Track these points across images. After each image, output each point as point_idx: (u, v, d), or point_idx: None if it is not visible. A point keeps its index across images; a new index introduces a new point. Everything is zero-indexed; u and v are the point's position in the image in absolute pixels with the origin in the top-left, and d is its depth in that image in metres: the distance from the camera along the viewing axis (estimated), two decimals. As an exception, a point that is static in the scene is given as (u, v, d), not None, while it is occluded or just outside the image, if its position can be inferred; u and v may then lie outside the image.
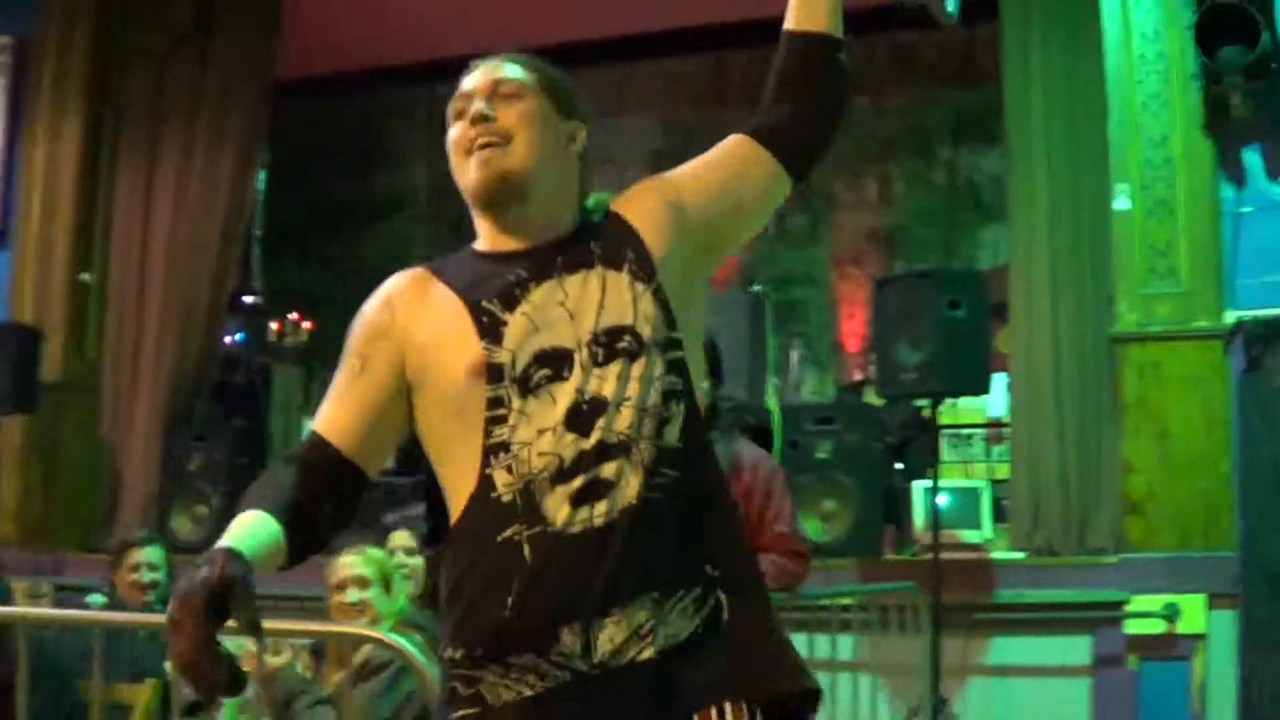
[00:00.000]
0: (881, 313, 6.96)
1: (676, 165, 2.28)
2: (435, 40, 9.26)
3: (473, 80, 2.18)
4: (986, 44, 9.20)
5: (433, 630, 3.01)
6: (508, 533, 1.99)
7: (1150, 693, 6.80)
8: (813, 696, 2.07)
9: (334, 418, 2.12)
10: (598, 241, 2.13)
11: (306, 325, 11.15)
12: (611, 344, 2.03)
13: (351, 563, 4.82)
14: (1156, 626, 6.72)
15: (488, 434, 2.03)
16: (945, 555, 6.72)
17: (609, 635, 1.97)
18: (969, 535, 7.27)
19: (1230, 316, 6.63)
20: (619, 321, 2.04)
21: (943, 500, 7.27)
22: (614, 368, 2.02)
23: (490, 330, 2.05)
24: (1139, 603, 6.76)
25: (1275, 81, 6.83)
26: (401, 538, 5.86)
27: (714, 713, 1.98)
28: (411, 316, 2.13)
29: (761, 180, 2.21)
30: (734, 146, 2.22)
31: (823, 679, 2.21)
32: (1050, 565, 7.08)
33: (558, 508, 1.98)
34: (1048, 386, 7.23)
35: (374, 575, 4.81)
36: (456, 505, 2.06)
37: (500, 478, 2.01)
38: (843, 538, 6.93)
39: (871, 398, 8.49)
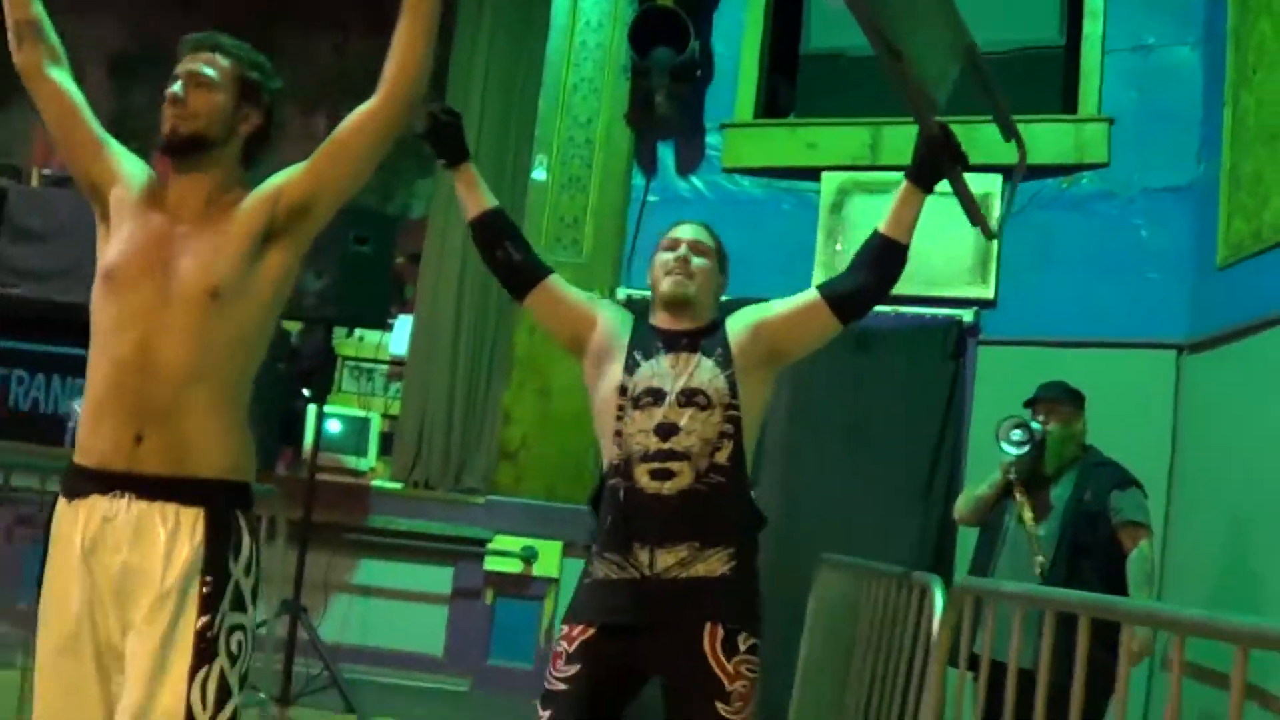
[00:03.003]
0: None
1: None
2: None
3: (684, 233, 3.55)
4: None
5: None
6: (613, 482, 3.34)
7: (503, 626, 7.33)
8: (758, 637, 3.30)
9: (560, 285, 3.55)
10: (706, 338, 3.42)
11: None
12: (690, 397, 3.31)
13: None
14: (514, 566, 7.25)
15: (615, 422, 3.35)
16: (326, 478, 6.95)
17: (663, 558, 3.25)
18: (354, 462, 7.54)
19: (623, 293, 7.22)
20: (698, 386, 3.33)
21: (335, 427, 7.52)
22: (689, 410, 3.30)
23: (629, 368, 3.39)
24: (500, 542, 7.28)
25: (697, 86, 7.51)
26: None
27: (709, 626, 3.22)
28: (611, 328, 3.48)
29: (819, 325, 3.42)
30: (809, 301, 3.42)
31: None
32: (424, 499, 7.50)
33: (642, 475, 3.29)
34: (447, 334, 7.62)
35: None
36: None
37: (613, 450, 3.35)
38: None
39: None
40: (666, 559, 3.26)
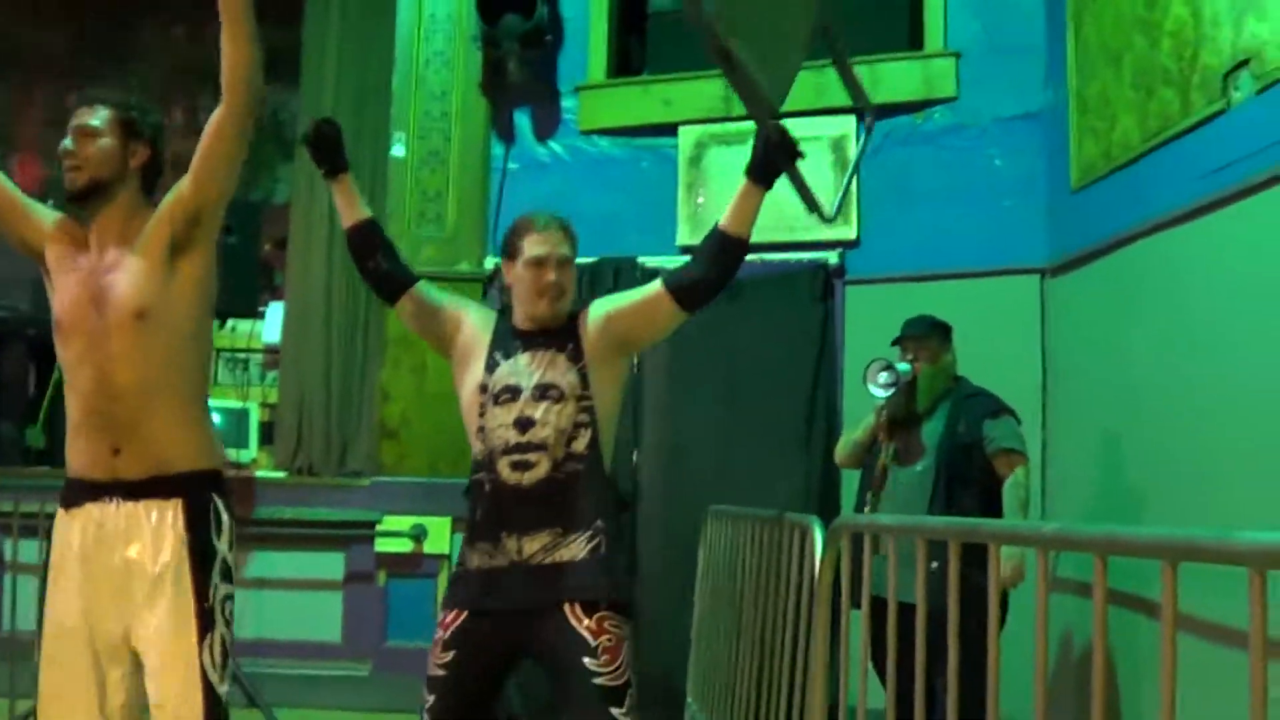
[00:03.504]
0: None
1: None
2: None
3: (548, 248, 3.64)
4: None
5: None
6: (479, 476, 3.57)
7: (398, 606, 7.31)
8: (620, 605, 3.51)
9: (426, 291, 3.77)
10: (562, 335, 3.62)
11: None
12: (544, 391, 3.54)
13: None
14: (404, 546, 7.23)
15: (478, 419, 3.57)
16: (209, 472, 6.87)
17: (528, 544, 3.49)
18: (235, 454, 7.47)
19: (490, 262, 7.19)
20: (550, 380, 3.55)
21: (214, 420, 7.43)
22: (543, 404, 3.52)
23: (489, 367, 3.60)
24: (389, 523, 7.25)
25: (548, 51, 7.49)
26: None
27: (569, 604, 3.43)
28: (474, 330, 3.68)
29: (664, 315, 3.60)
30: (654, 292, 3.59)
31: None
32: (309, 485, 7.46)
33: (504, 468, 3.51)
34: (319, 317, 7.57)
35: None
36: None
37: (478, 445, 3.58)
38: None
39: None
40: (532, 545, 3.51)
